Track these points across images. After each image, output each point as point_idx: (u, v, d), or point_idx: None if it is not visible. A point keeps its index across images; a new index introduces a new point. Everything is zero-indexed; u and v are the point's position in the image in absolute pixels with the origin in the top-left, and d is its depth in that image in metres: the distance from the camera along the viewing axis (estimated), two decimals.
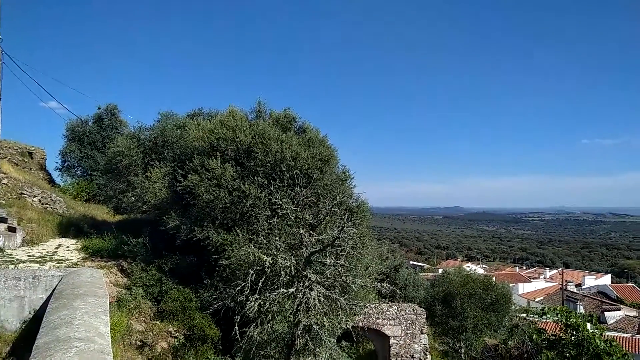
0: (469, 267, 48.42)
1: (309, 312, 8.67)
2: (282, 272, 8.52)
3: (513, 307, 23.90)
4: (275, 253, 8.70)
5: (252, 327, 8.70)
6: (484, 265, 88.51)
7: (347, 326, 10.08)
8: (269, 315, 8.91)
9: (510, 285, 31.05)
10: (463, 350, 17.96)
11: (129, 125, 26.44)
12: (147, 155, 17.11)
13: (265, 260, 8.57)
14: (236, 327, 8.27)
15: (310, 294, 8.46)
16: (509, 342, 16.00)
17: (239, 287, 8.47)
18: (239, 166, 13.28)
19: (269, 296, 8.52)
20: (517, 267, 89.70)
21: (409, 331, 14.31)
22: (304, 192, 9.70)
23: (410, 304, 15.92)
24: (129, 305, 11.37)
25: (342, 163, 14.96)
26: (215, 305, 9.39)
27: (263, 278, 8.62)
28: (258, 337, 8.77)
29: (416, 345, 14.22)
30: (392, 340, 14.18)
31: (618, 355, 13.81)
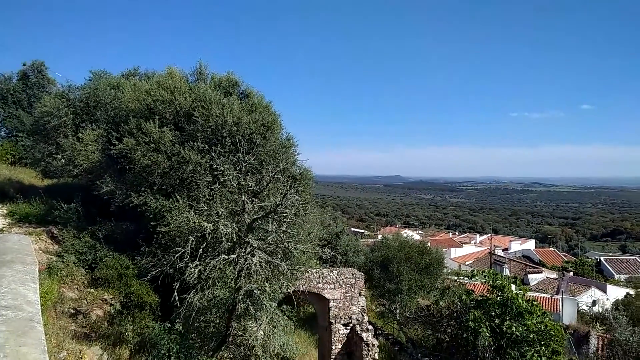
0: (406, 233, 50.51)
1: (251, 277, 8.71)
2: (223, 239, 8.45)
3: (445, 270, 25.34)
4: (217, 219, 8.59)
5: (192, 294, 8.63)
6: (420, 232, 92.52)
7: (289, 291, 10.26)
8: (210, 281, 8.86)
9: (444, 250, 32.76)
10: (398, 311, 18.90)
11: (57, 83, 24.62)
12: (78, 116, 16.11)
13: (206, 226, 8.44)
14: (176, 294, 8.17)
15: (252, 260, 8.48)
16: (441, 303, 16.96)
17: (179, 254, 8.32)
18: (179, 130, 12.83)
19: (210, 262, 8.45)
20: (451, 233, 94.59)
21: (348, 294, 14.80)
22: (246, 158, 9.55)
23: (350, 268, 16.40)
24: (60, 273, 10.89)
25: (287, 130, 14.85)
26: (154, 272, 9.20)
27: (204, 245, 8.51)
28: (198, 303, 8.73)
29: (354, 307, 14.77)
30: (331, 303, 14.62)
31: (538, 313, 15.02)
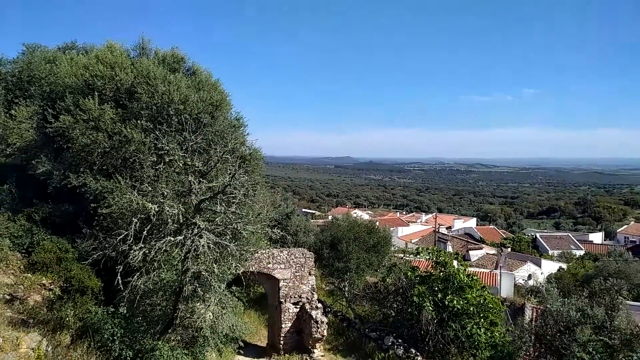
0: (356, 213, 51.40)
1: (199, 259, 8.60)
2: (169, 220, 8.25)
3: (392, 249, 26.11)
4: (162, 200, 8.35)
5: (136, 277, 8.41)
6: (369, 212, 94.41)
7: (238, 272, 10.22)
8: (155, 263, 8.66)
9: (391, 229, 33.73)
10: (347, 288, 19.34)
11: None
12: (10, 91, 15.09)
13: (151, 208, 8.20)
14: (119, 277, 7.92)
15: (199, 242, 8.34)
16: (387, 280, 17.52)
17: (121, 236, 8.05)
18: (120, 108, 12.28)
19: (155, 245, 8.24)
20: (398, 213, 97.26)
21: (298, 274, 14.96)
22: (193, 137, 9.31)
23: (301, 248, 16.56)
24: None
25: (236, 109, 14.57)
26: (95, 256, 8.87)
27: (148, 226, 8.27)
28: (143, 286, 8.52)
29: (304, 286, 14.97)
30: (282, 283, 14.73)
31: (477, 287, 15.88)
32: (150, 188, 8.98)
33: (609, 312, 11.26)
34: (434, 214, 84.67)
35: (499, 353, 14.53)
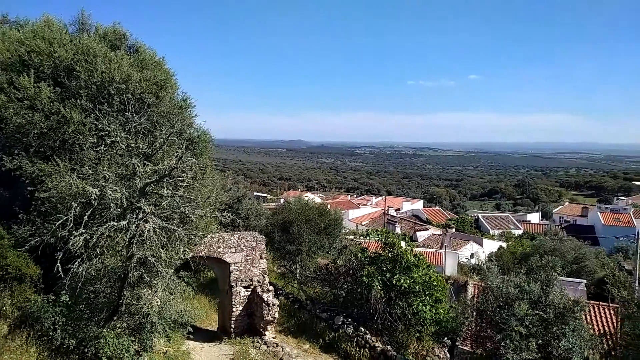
0: (307, 196, 51.64)
1: (144, 244, 8.34)
2: (112, 205, 7.93)
3: (343, 231, 26.52)
4: (104, 184, 8.01)
5: (77, 263, 8.06)
6: (321, 195, 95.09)
7: (187, 256, 10.02)
8: (98, 249, 8.33)
9: (342, 211, 34.19)
10: (298, 271, 19.49)
11: None
12: None
13: (92, 192, 7.84)
14: (58, 264, 7.56)
15: (145, 226, 8.09)
16: (338, 261, 17.81)
17: (60, 222, 7.66)
18: (58, 86, 11.57)
19: (97, 230, 7.91)
20: (349, 196, 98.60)
21: (249, 257, 14.88)
22: (136, 118, 8.94)
23: (252, 232, 16.46)
24: None
25: (183, 90, 14.10)
26: (33, 242, 8.40)
27: (89, 211, 7.92)
28: (85, 273, 8.19)
29: (255, 270, 14.92)
30: (232, 267, 14.61)
31: (423, 267, 16.45)
32: (91, 171, 8.57)
33: (544, 287, 11.97)
34: (383, 196, 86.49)
35: (443, 328, 15.22)
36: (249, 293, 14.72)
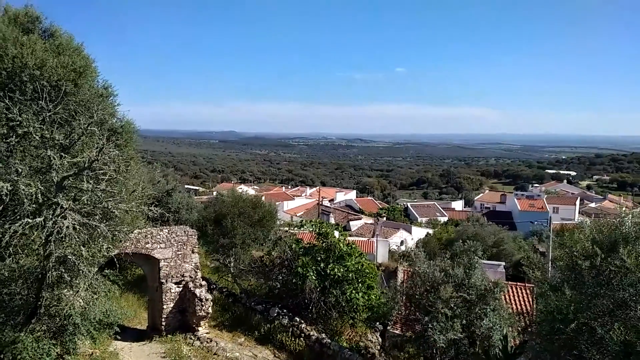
0: (241, 188, 50.92)
1: (63, 242, 7.81)
2: (25, 200, 7.33)
3: (278, 222, 26.45)
4: (16, 178, 7.38)
5: None
6: (255, 187, 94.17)
7: (111, 254, 9.53)
8: (11, 248, 7.69)
9: (277, 203, 34.10)
10: (232, 264, 19.19)
11: None
12: None
13: (2, 187, 7.20)
14: None
15: (63, 223, 7.57)
16: (273, 253, 17.77)
17: None
18: None
19: (10, 228, 7.29)
20: (284, 187, 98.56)
21: (180, 252, 14.42)
22: (51, 107, 8.29)
23: (182, 226, 15.95)
24: None
25: (104, 77, 13.23)
26: None
27: (0, 207, 7.28)
28: None
29: (187, 265, 14.50)
30: (162, 263, 14.08)
31: (356, 255, 16.83)
32: (1, 164, 7.86)
33: (467, 271, 12.69)
34: (317, 187, 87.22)
35: (375, 314, 15.72)
36: (180, 289, 14.29)
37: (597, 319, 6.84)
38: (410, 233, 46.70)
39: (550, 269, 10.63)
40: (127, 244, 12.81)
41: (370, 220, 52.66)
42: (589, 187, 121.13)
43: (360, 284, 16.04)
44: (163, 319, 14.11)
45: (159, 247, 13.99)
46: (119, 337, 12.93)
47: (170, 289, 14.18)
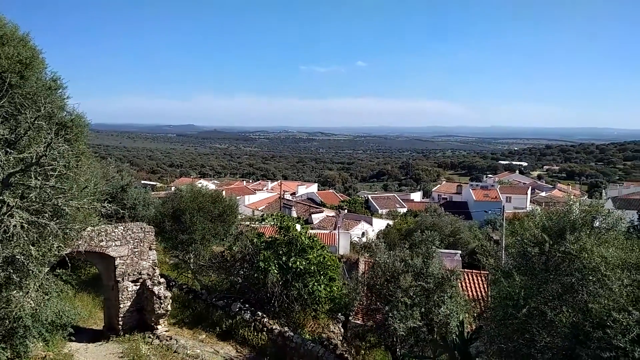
0: (201, 183, 50.06)
1: (11, 241, 7.44)
2: None
3: (239, 217, 26.16)
4: None
5: None
6: (215, 181, 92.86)
7: (62, 253, 9.17)
8: None
9: (238, 197, 33.72)
10: (192, 260, 18.85)
11: None
12: None
13: None
14: None
15: (10, 222, 7.20)
16: (234, 248, 17.56)
17: None
18: None
19: None
20: (245, 181, 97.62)
21: (136, 250, 14.02)
22: None
23: (139, 222, 15.52)
24: None
25: (52, 69, 12.61)
26: None
27: None
28: None
29: (144, 262, 14.13)
30: (118, 261, 13.66)
31: (318, 248, 16.90)
32: None
33: (425, 260, 13.00)
34: (279, 181, 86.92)
35: (337, 305, 15.87)
36: (137, 287, 13.92)
37: (547, 303, 7.16)
38: (371, 225, 47.36)
39: (503, 256, 11.07)
40: (80, 242, 12.34)
41: (332, 213, 53.02)
42: (539, 177, 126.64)
43: (322, 276, 16.14)
44: (120, 319, 13.71)
45: (114, 244, 13.56)
46: (74, 339, 12.49)
47: (127, 287, 13.79)
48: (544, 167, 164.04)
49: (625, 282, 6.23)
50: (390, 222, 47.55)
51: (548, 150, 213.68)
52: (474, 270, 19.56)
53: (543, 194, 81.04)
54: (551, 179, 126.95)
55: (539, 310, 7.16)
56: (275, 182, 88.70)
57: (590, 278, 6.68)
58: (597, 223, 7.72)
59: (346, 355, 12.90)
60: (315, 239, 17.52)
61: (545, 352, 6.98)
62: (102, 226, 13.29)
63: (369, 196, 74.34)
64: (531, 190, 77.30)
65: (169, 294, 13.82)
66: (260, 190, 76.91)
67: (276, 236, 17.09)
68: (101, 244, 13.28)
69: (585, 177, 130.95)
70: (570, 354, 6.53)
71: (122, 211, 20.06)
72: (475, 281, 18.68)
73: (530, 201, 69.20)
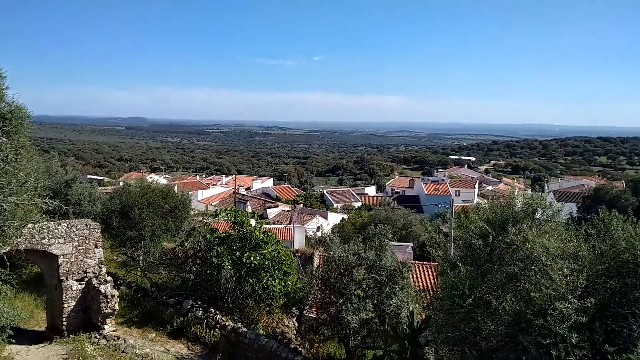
0: (151, 178, 48.57)
1: None
2: None
3: (192, 212, 25.61)
4: None
5: None
6: (167, 176, 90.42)
7: (0, 251, 8.65)
8: None
9: (191, 192, 33.01)
10: (141, 257, 18.31)
11: None
12: None
13: None
14: None
15: None
16: (186, 244, 17.18)
17: None
18: None
19: None
20: (198, 176, 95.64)
21: (81, 247, 13.42)
22: None
23: (84, 219, 14.85)
24: None
25: None
26: None
27: None
28: None
29: (90, 260, 13.55)
30: (61, 259, 13.02)
31: (272, 243, 16.82)
32: None
33: (378, 253, 13.26)
34: (234, 175, 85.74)
35: (292, 299, 15.90)
36: (83, 286, 13.34)
37: (491, 292, 7.47)
38: (327, 219, 47.71)
39: (452, 248, 11.47)
40: (20, 240, 11.68)
41: (288, 208, 52.92)
42: (486, 171, 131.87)
43: (276, 271, 16.09)
44: (64, 319, 13.11)
45: (57, 242, 12.92)
46: (14, 341, 11.83)
47: (71, 286, 13.19)
48: (491, 161, 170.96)
49: (565, 272, 6.57)
50: (345, 216, 48.07)
51: (495, 145, 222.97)
52: (424, 262, 20.15)
53: (490, 187, 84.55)
54: (497, 173, 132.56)
55: (483, 299, 7.46)
56: (230, 177, 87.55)
57: (533, 268, 7.01)
58: (538, 215, 8.12)
59: (300, 348, 12.97)
60: (270, 233, 17.41)
61: (490, 339, 7.30)
62: (44, 223, 12.61)
63: (325, 190, 74.79)
64: (479, 184, 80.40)
65: (116, 293, 13.34)
66: (214, 185, 75.67)
67: (230, 231, 16.86)
68: (43, 241, 12.62)
69: (529, 172, 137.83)
70: (513, 340, 6.84)
71: (65, 207, 19.20)
72: (426, 272, 19.25)
73: (478, 194, 72.00)
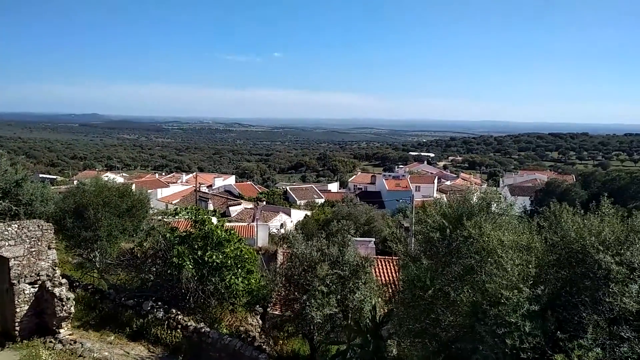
0: (107, 176, 46.99)
1: None
2: None
3: (151, 212, 24.99)
4: None
5: None
6: (124, 174, 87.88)
7: None
8: None
9: (150, 191, 32.18)
10: (98, 258, 17.72)
11: None
12: None
13: None
14: None
15: None
16: (145, 244, 16.76)
17: None
18: None
19: None
20: (157, 174, 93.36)
21: (34, 249, 12.85)
22: None
23: (36, 220, 14.22)
24: None
25: None
26: None
27: None
28: None
29: (43, 263, 13.00)
30: (12, 262, 12.43)
31: (235, 241, 16.66)
32: None
33: (341, 248, 13.37)
34: (194, 173, 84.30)
35: (255, 297, 15.82)
36: (36, 289, 12.80)
37: (450, 284, 7.70)
38: (290, 216, 47.67)
39: (412, 242, 11.75)
40: None
41: (250, 205, 52.50)
42: (445, 167, 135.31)
43: (239, 270, 15.96)
44: (17, 324, 12.54)
45: (7, 244, 12.34)
46: None
47: (23, 290, 12.63)
48: (449, 157, 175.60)
49: (517, 262, 6.85)
50: (309, 213, 48.18)
51: (452, 142, 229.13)
52: (386, 257, 20.48)
53: (448, 182, 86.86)
54: (455, 168, 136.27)
55: (443, 291, 7.68)
56: (191, 175, 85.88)
57: (489, 260, 7.27)
58: (493, 208, 8.43)
59: (264, 346, 12.93)
60: (233, 232, 17.24)
61: (449, 330, 7.53)
62: None
63: (287, 187, 74.63)
64: (438, 179, 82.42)
65: (71, 296, 12.88)
66: (174, 183, 74.04)
67: (191, 230, 16.59)
68: None
69: (485, 167, 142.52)
70: (471, 331, 7.07)
71: (16, 208, 18.38)
72: (388, 267, 19.59)
73: (437, 190, 73.78)
